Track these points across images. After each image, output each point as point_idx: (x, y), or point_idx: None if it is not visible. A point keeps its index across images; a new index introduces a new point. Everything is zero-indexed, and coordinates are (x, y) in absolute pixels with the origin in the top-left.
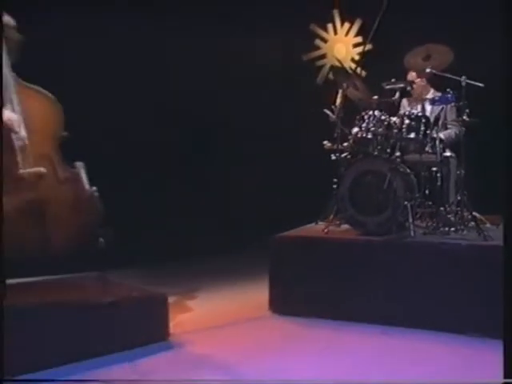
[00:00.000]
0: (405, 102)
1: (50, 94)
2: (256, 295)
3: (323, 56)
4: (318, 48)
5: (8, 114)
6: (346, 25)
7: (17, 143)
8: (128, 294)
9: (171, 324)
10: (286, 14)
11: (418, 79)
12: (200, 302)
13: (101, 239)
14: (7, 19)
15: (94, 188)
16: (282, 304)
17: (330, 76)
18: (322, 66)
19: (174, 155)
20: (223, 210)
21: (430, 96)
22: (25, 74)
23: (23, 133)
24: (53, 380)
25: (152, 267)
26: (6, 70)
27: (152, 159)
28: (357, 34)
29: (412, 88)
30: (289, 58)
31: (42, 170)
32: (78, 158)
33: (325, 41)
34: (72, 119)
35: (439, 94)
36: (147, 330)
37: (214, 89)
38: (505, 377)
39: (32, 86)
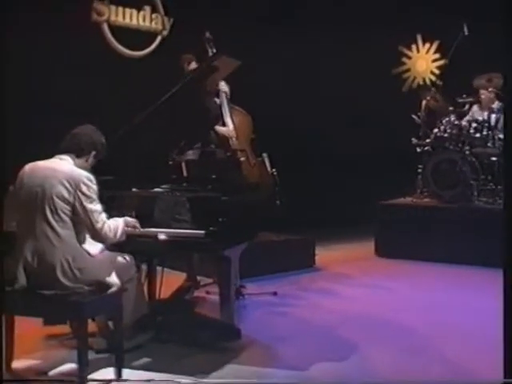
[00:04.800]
0: (475, 107)
1: (244, 111)
2: (365, 246)
3: (408, 70)
4: (403, 64)
5: (225, 129)
6: (427, 45)
7: (232, 144)
8: (291, 237)
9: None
10: (380, 38)
11: (486, 92)
12: (330, 250)
13: (277, 202)
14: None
15: (274, 170)
16: (384, 250)
17: (413, 86)
18: (407, 78)
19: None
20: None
21: (494, 106)
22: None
23: (234, 137)
24: (54, 380)
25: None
26: (225, 99)
27: (307, 153)
28: (435, 52)
29: (481, 99)
30: (382, 71)
31: (242, 158)
32: (264, 150)
33: (409, 58)
34: (258, 125)
35: (500, 105)
36: (303, 259)
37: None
38: (505, 377)
39: (235, 106)
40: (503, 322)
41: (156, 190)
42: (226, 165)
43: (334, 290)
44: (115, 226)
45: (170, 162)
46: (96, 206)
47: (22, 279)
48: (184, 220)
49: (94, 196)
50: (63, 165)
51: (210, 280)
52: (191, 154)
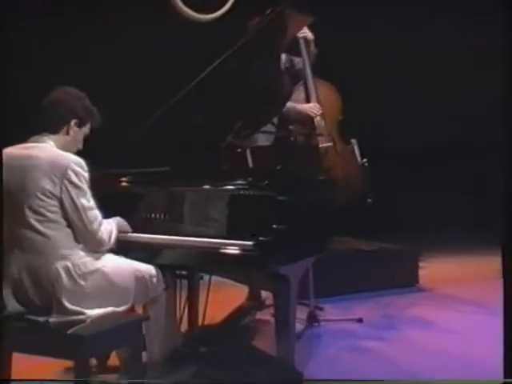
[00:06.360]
0: None
1: (331, 85)
2: (489, 261)
3: None
4: None
5: (308, 106)
6: None
7: (318, 126)
8: (386, 246)
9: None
10: None
11: None
12: (439, 264)
13: (369, 200)
14: (309, 35)
15: (365, 159)
16: None
17: None
18: None
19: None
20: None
21: None
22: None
23: (320, 117)
24: (54, 380)
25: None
26: (309, 71)
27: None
28: None
29: None
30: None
31: (328, 144)
32: (353, 136)
33: None
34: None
35: None
36: (402, 276)
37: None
38: (505, 377)
39: (319, 79)
40: (503, 321)
41: (227, 187)
42: (306, 152)
43: (440, 318)
44: (110, 228)
45: (239, 150)
46: (90, 202)
47: (11, 303)
48: (226, 226)
49: (85, 187)
50: (44, 150)
51: None
52: (261, 139)
